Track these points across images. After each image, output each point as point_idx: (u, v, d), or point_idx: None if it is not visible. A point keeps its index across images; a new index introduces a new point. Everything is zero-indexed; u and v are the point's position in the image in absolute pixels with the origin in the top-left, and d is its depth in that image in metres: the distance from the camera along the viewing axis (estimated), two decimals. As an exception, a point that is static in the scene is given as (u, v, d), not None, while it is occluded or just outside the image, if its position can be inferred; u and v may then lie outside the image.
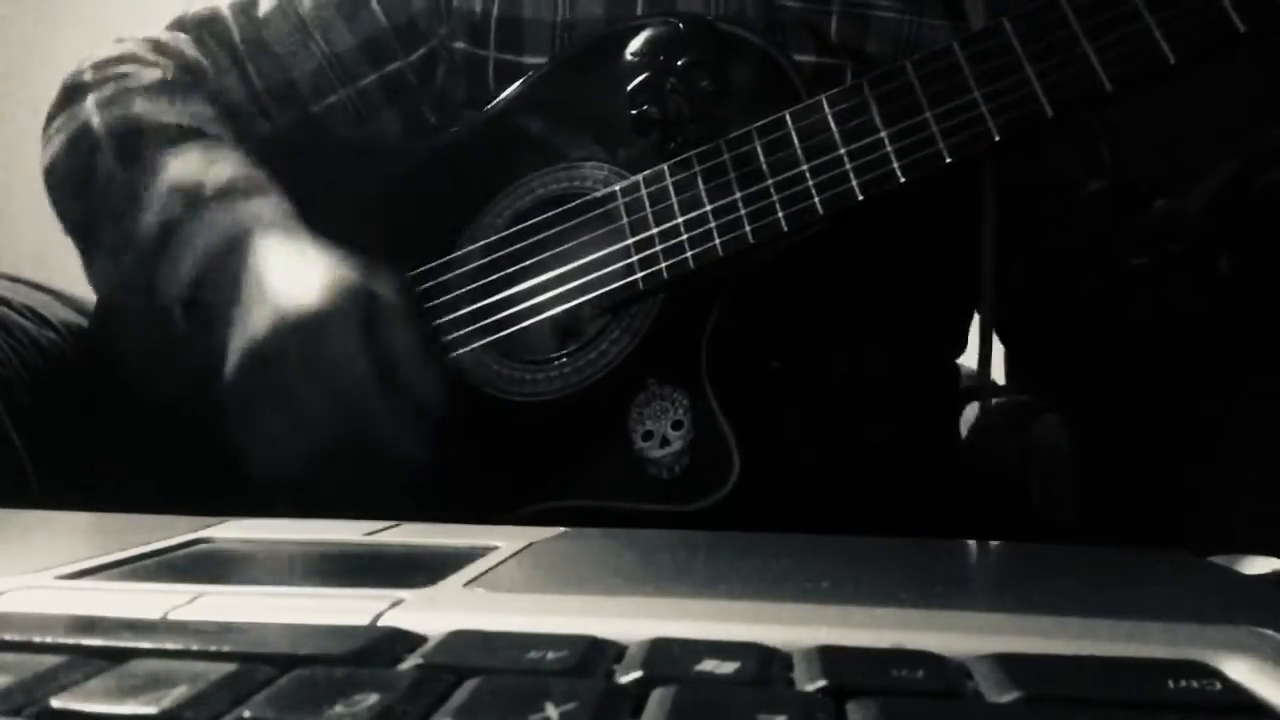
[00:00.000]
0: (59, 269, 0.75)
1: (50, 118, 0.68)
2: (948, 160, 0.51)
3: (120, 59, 0.68)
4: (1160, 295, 0.59)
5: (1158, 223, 0.58)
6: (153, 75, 0.67)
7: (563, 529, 0.35)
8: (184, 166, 0.61)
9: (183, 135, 0.63)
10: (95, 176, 0.63)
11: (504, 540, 0.31)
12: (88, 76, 0.67)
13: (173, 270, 0.58)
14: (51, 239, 0.67)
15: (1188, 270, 0.58)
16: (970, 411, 0.75)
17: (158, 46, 0.70)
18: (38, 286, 0.74)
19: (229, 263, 0.57)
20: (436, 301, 0.63)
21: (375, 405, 0.54)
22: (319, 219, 0.61)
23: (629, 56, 0.57)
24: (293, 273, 0.55)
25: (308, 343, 0.53)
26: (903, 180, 0.52)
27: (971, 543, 0.37)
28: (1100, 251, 0.62)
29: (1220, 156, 0.55)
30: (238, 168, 0.61)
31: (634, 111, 0.57)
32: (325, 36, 0.68)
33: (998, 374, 0.77)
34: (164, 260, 0.58)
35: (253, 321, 0.54)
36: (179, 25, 0.72)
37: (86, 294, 0.72)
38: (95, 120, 0.64)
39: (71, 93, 0.67)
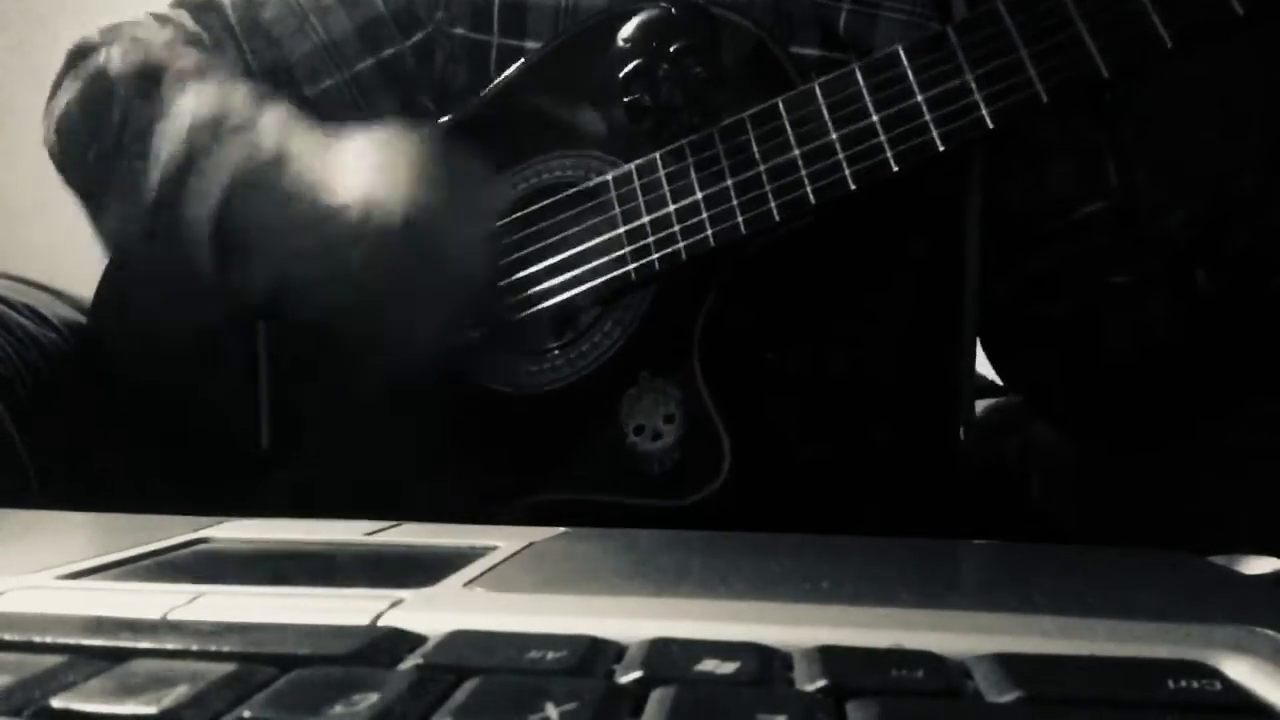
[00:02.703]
0: (62, 268, 0.75)
1: (56, 83, 0.67)
2: (941, 149, 0.51)
3: (127, 24, 0.69)
4: (1137, 317, 0.59)
5: (1138, 239, 0.58)
6: (164, 33, 0.68)
7: (563, 529, 0.35)
8: (204, 99, 0.60)
9: (198, 73, 0.63)
10: (111, 117, 0.62)
11: (504, 540, 0.31)
12: (96, 39, 0.67)
13: (201, 189, 0.57)
14: (54, 238, 0.67)
15: (1165, 287, 0.57)
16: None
17: (160, 18, 0.70)
18: (38, 285, 0.74)
19: (265, 174, 0.56)
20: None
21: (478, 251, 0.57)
22: None
23: (621, 42, 0.56)
24: (360, 159, 0.56)
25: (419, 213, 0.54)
26: (895, 169, 0.51)
27: (972, 543, 0.37)
28: (1082, 273, 0.62)
29: (1209, 180, 0.55)
30: (256, 98, 0.61)
31: (626, 99, 0.56)
32: (322, 20, 0.68)
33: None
34: (191, 179, 0.57)
35: (343, 214, 0.54)
36: (177, 4, 0.72)
37: (87, 293, 0.72)
38: (112, 64, 0.64)
39: (79, 54, 0.67)
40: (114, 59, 0.64)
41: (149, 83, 0.62)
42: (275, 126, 0.58)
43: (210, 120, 0.58)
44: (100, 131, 0.63)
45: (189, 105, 0.60)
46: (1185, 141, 0.55)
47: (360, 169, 0.55)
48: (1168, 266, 0.57)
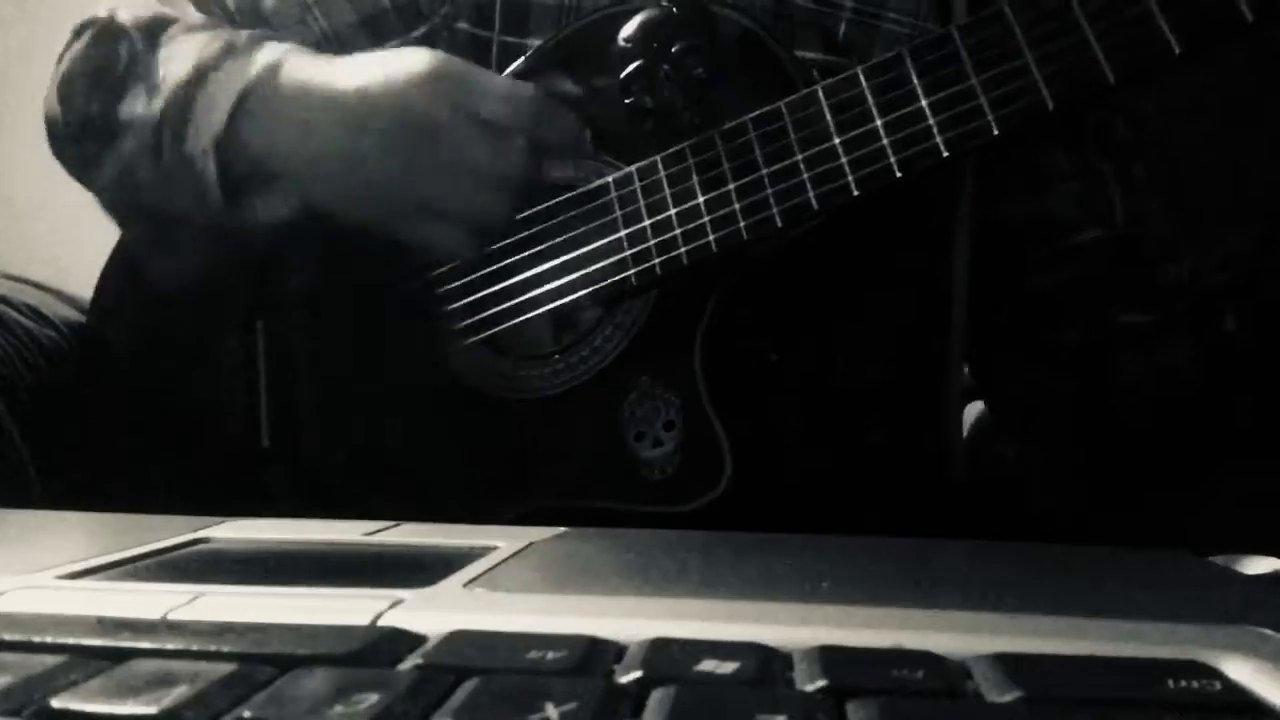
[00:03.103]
0: (62, 268, 0.75)
1: (61, 55, 0.67)
2: (945, 155, 0.50)
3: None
4: (1153, 356, 0.58)
5: (1170, 283, 0.57)
6: (170, 10, 0.68)
7: (563, 529, 0.35)
8: (210, 35, 0.61)
9: (205, 27, 0.64)
10: (119, 59, 0.62)
11: (504, 540, 0.31)
12: (102, 12, 0.67)
13: (206, 115, 0.57)
14: (54, 238, 0.67)
15: (1189, 330, 0.56)
16: (970, 411, 0.75)
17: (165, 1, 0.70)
18: (38, 285, 0.74)
19: (274, 87, 0.57)
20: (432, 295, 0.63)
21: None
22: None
23: (621, 42, 0.55)
24: (364, 61, 0.57)
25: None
26: (899, 175, 0.51)
27: (971, 543, 0.37)
28: (1091, 304, 0.61)
29: (1245, 217, 0.54)
30: (260, 36, 0.62)
31: (627, 100, 0.55)
32: (324, 11, 0.68)
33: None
34: (197, 107, 0.58)
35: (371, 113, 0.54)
36: None
37: (87, 293, 0.72)
38: (121, 16, 0.64)
39: (86, 25, 0.67)
40: (123, 11, 0.65)
41: (158, 27, 0.63)
42: (278, 51, 0.59)
43: (215, 51, 0.59)
44: (107, 74, 0.63)
45: (196, 39, 0.60)
46: (1213, 182, 0.55)
47: (378, 74, 0.56)
48: (1194, 310, 0.56)
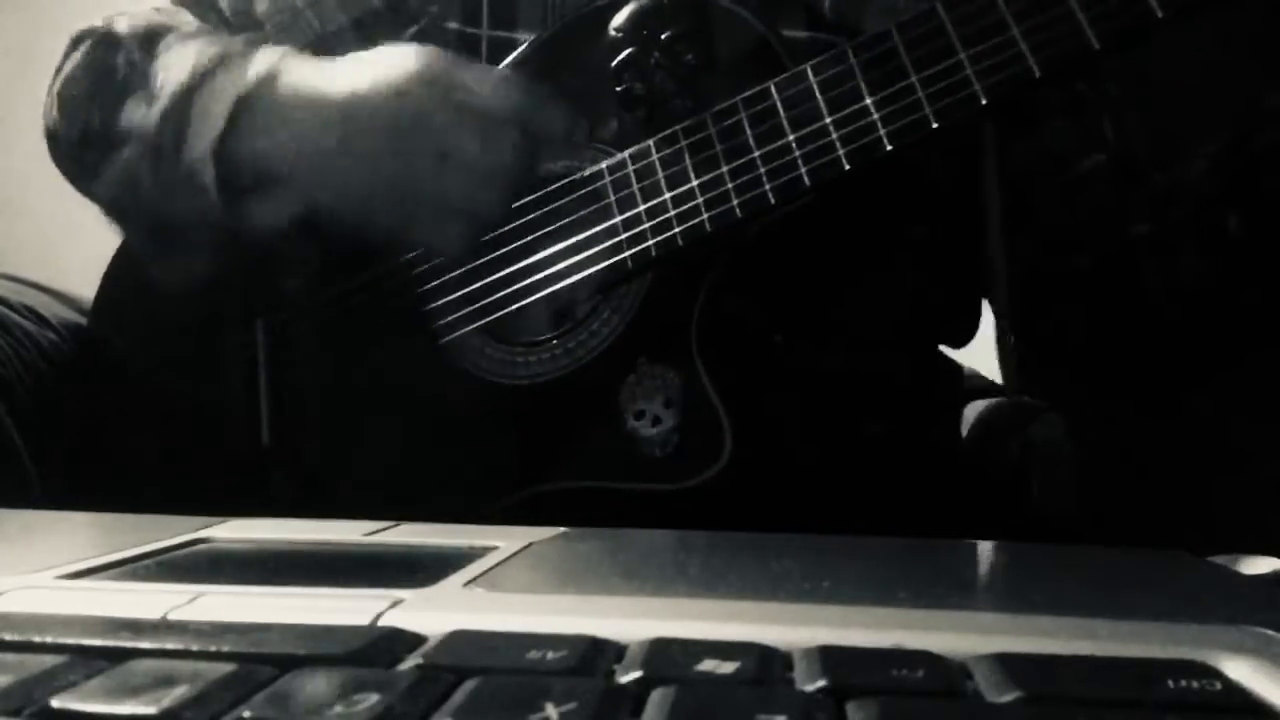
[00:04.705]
0: (60, 269, 0.75)
1: (60, 65, 0.67)
2: (934, 126, 0.50)
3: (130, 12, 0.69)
4: (1166, 263, 0.58)
5: (1158, 192, 0.58)
6: (166, 19, 0.68)
7: (563, 529, 0.35)
8: (206, 41, 0.61)
9: (200, 33, 0.64)
10: (117, 68, 0.62)
11: (504, 540, 0.31)
12: (99, 22, 0.67)
13: (202, 123, 0.57)
14: (53, 239, 0.67)
15: (1194, 234, 0.57)
16: (971, 410, 0.75)
17: (160, 11, 0.70)
18: (38, 286, 0.74)
19: (270, 91, 0.57)
20: (428, 286, 0.63)
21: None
22: None
23: (613, 31, 0.56)
24: (364, 64, 0.56)
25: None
26: (890, 148, 0.51)
27: (971, 543, 0.37)
28: (1099, 225, 0.61)
29: (1219, 122, 0.54)
30: (253, 41, 0.62)
31: (619, 88, 0.56)
32: (316, 13, 0.68)
33: (995, 373, 0.77)
34: (193, 115, 0.58)
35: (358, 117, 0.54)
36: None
37: (86, 294, 0.72)
38: (118, 26, 0.65)
39: (83, 36, 0.67)
40: (120, 21, 0.65)
41: (155, 36, 0.63)
42: (273, 56, 0.59)
43: (211, 57, 0.59)
44: (105, 84, 0.63)
45: (191, 46, 0.60)
46: (1174, 93, 0.55)
47: (370, 73, 0.56)
48: (1195, 214, 0.56)
